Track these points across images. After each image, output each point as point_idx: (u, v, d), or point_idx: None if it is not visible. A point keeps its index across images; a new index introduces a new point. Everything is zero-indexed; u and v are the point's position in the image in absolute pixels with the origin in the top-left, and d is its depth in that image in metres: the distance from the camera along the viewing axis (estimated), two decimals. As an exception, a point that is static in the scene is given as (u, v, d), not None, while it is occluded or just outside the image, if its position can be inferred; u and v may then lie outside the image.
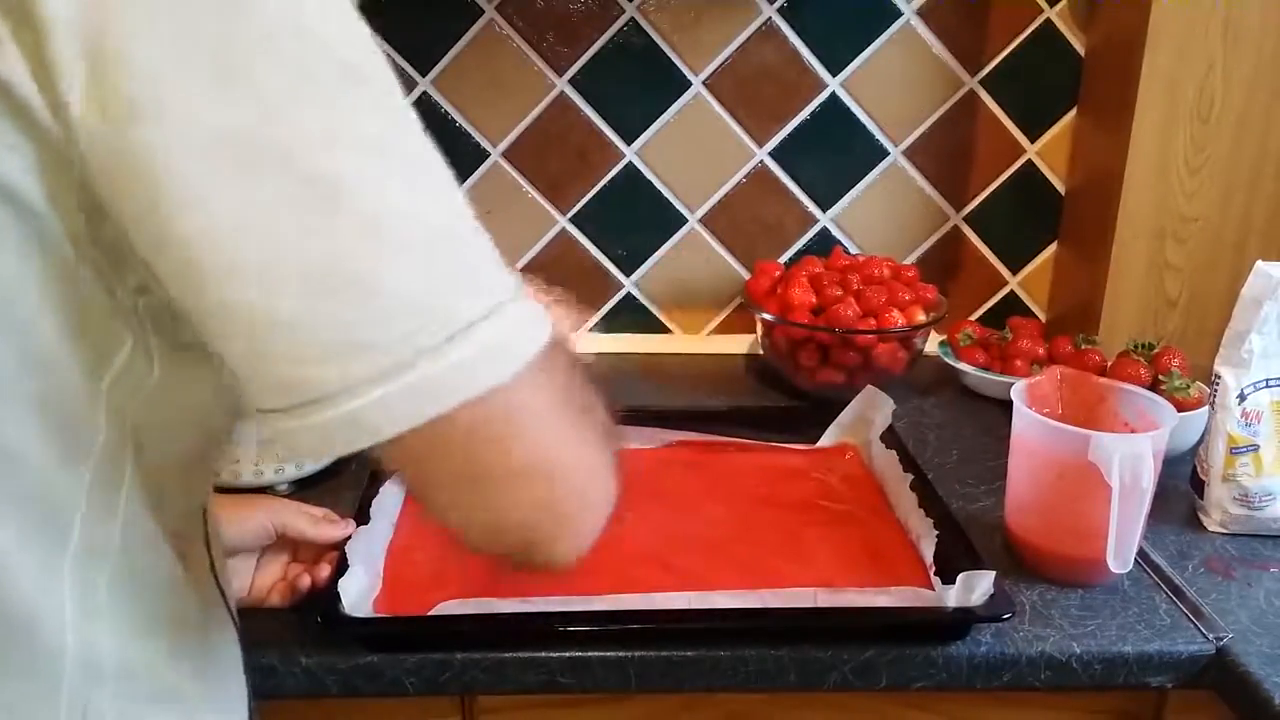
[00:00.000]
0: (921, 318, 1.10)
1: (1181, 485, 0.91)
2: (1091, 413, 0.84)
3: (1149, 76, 1.05)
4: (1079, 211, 1.22)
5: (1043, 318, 1.29)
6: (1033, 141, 1.23)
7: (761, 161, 1.23)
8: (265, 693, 0.70)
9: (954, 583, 0.73)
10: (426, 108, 1.19)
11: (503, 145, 1.22)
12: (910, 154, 1.24)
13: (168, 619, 0.48)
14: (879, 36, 1.19)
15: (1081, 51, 1.19)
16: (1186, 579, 0.81)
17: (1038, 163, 1.24)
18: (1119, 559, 0.75)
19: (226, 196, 0.35)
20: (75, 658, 0.43)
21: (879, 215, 1.26)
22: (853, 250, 1.26)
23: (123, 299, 0.40)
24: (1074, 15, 1.18)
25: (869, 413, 0.99)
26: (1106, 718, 0.78)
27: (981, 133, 1.23)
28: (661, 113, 1.21)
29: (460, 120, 1.20)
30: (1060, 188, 1.25)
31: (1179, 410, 0.82)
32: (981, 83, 1.21)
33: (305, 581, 0.73)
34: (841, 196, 1.25)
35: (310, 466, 0.90)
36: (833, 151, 1.23)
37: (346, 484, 0.91)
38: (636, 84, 1.20)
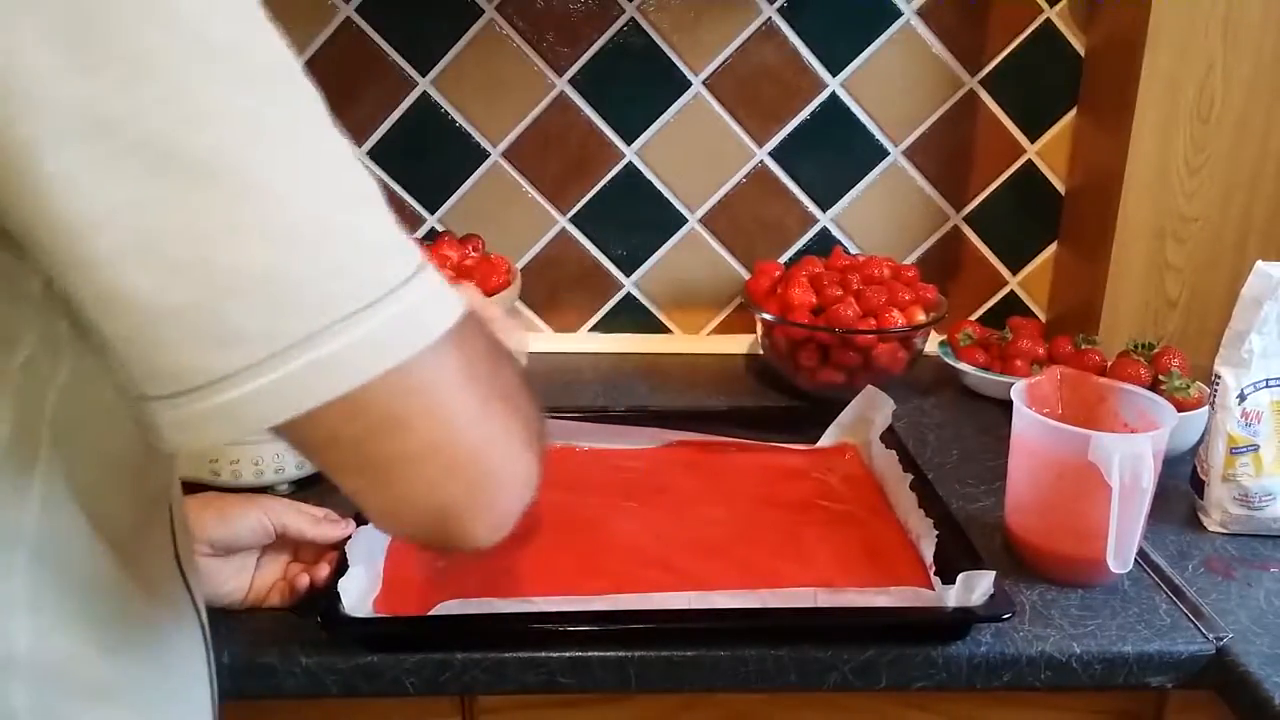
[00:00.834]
0: (921, 318, 1.10)
1: (1181, 485, 0.91)
2: (1091, 413, 0.84)
3: (1149, 76, 1.05)
4: (1079, 211, 1.22)
5: (1043, 318, 1.29)
6: (1033, 141, 1.23)
7: (761, 161, 1.23)
8: (265, 693, 0.71)
9: (954, 583, 0.73)
10: (426, 108, 1.19)
11: (503, 145, 1.22)
12: (910, 154, 1.24)
13: (105, 614, 0.47)
14: (879, 36, 1.19)
15: (1081, 51, 1.19)
16: (1186, 579, 0.81)
17: (1038, 163, 1.24)
18: (1119, 559, 0.75)
19: (92, 177, 0.34)
20: None
21: (879, 215, 1.26)
22: (853, 250, 1.26)
23: (27, 288, 0.39)
24: (1074, 15, 1.18)
25: (869, 413, 0.99)
26: (1106, 718, 0.78)
27: (981, 133, 1.23)
28: (661, 113, 1.21)
29: (460, 120, 1.20)
30: (1060, 188, 1.25)
31: (1179, 410, 0.82)
32: (981, 83, 1.21)
33: (305, 581, 0.73)
34: (841, 196, 1.25)
35: (311, 466, 0.90)
36: (833, 151, 1.23)
37: (346, 484, 0.91)
38: (636, 84, 1.20)
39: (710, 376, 1.21)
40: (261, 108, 0.37)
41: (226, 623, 0.72)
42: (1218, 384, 0.86)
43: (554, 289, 1.28)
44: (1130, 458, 0.74)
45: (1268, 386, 0.85)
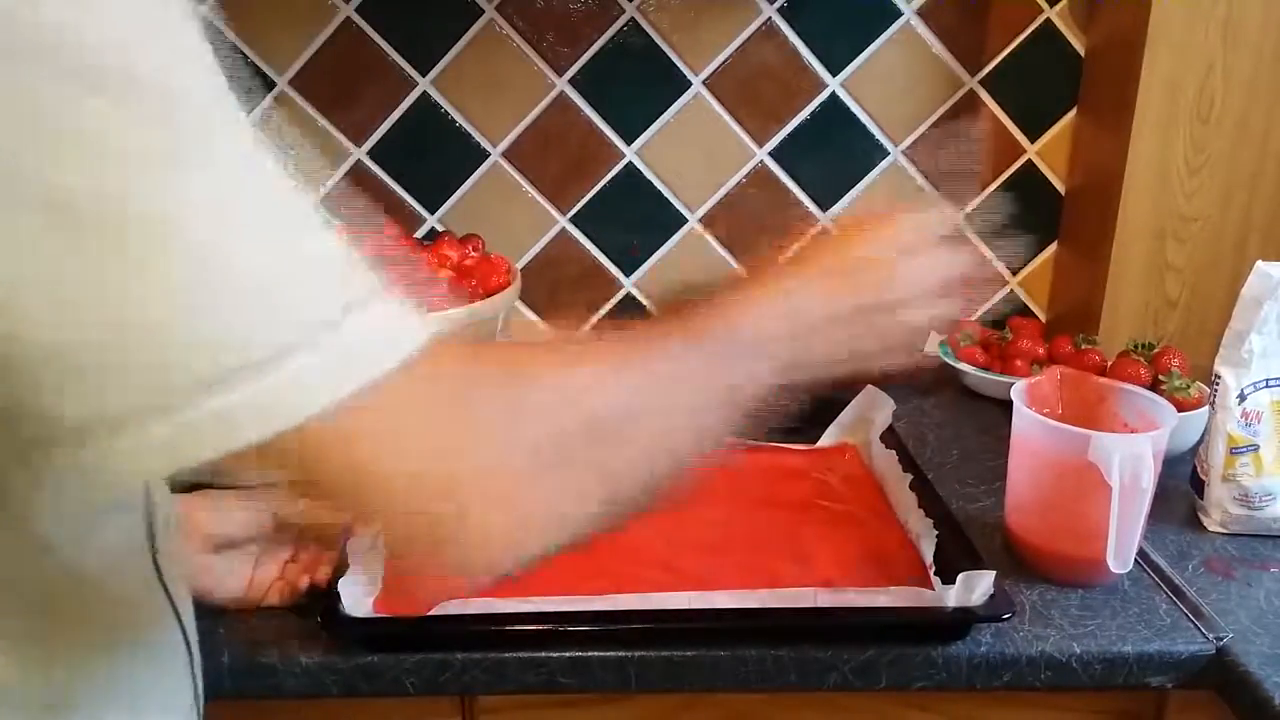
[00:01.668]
0: (921, 318, 1.10)
1: (1181, 485, 0.91)
2: (1091, 413, 0.83)
3: (1149, 76, 1.05)
4: (1079, 211, 1.22)
5: (1043, 318, 1.29)
6: (1033, 141, 1.23)
7: (761, 161, 1.23)
8: (265, 693, 0.71)
9: (954, 583, 0.73)
10: (426, 108, 1.19)
11: (503, 145, 1.22)
12: (910, 154, 1.24)
13: (56, 631, 0.46)
14: (879, 36, 1.19)
15: (1081, 51, 1.19)
16: (1186, 579, 0.81)
17: (1038, 163, 1.24)
18: (1119, 559, 0.75)
19: None
20: None
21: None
22: (853, 250, 1.26)
23: None
24: (1074, 15, 1.18)
25: (869, 413, 0.99)
26: (1106, 718, 0.78)
27: (981, 133, 1.23)
28: (661, 113, 1.21)
29: (460, 120, 1.20)
30: (1060, 188, 1.25)
31: (1179, 410, 0.82)
32: (981, 83, 1.21)
33: (305, 582, 0.73)
34: (841, 196, 1.25)
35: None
36: (833, 151, 1.23)
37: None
38: (636, 84, 1.20)
39: (710, 376, 1.20)
40: (162, 141, 0.34)
41: (226, 623, 0.72)
42: (1218, 384, 0.86)
43: (554, 289, 1.27)
44: (1130, 458, 0.74)
45: (1268, 386, 0.85)
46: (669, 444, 0.52)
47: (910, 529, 0.84)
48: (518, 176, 1.23)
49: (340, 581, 0.71)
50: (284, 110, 1.17)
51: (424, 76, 1.18)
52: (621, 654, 0.71)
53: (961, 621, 0.72)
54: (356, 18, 1.15)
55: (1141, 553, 0.83)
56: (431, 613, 0.72)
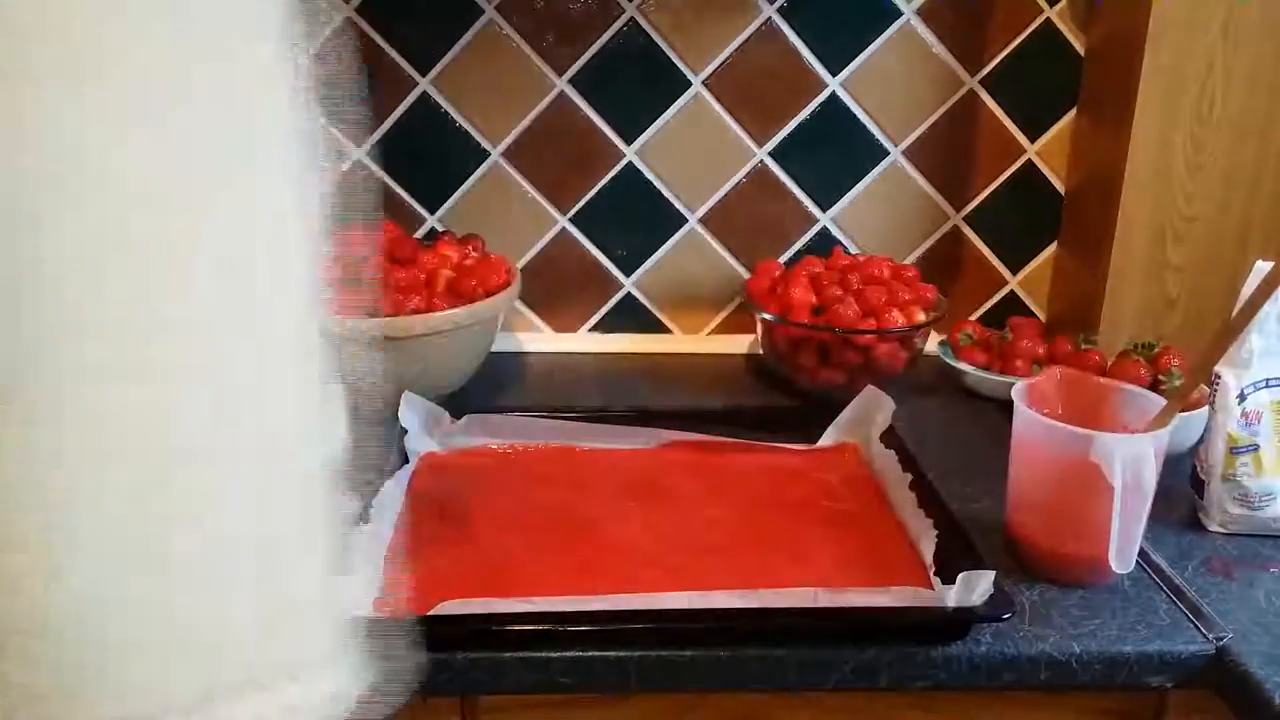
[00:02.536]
0: (921, 318, 1.10)
1: (1182, 485, 0.91)
2: (1091, 413, 0.83)
3: (1149, 76, 1.05)
4: (1079, 211, 1.22)
5: (1043, 318, 1.29)
6: (1033, 141, 1.23)
7: (761, 161, 1.23)
8: (265, 693, 0.71)
9: (954, 583, 0.73)
10: (426, 108, 1.19)
11: (503, 145, 1.22)
12: (910, 154, 1.24)
13: None
14: (879, 36, 1.19)
15: (1081, 51, 1.19)
16: (1186, 579, 0.81)
17: (1038, 163, 1.24)
18: (1121, 559, 0.75)
19: None
20: None
21: (879, 215, 1.26)
22: (853, 250, 1.26)
23: None
24: (1074, 15, 1.18)
25: (869, 413, 0.99)
26: (1106, 718, 0.78)
27: (981, 133, 1.23)
28: (661, 113, 1.21)
29: (460, 120, 1.20)
30: (1060, 188, 1.25)
31: (1179, 410, 0.82)
32: (981, 83, 1.21)
33: None
34: (841, 196, 1.25)
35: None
36: (833, 151, 1.23)
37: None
38: (636, 84, 1.20)
39: (710, 376, 1.21)
40: None
41: (226, 623, 0.72)
42: (1218, 384, 0.86)
43: (554, 289, 1.27)
44: (1132, 458, 0.74)
45: (1268, 386, 0.85)
46: None
47: (910, 529, 0.84)
48: (518, 176, 1.23)
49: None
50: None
51: (424, 76, 1.18)
52: (621, 654, 0.71)
53: (961, 621, 0.72)
54: (356, 18, 1.15)
55: (1141, 553, 0.83)
56: (431, 613, 0.72)
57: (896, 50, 1.19)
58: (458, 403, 1.03)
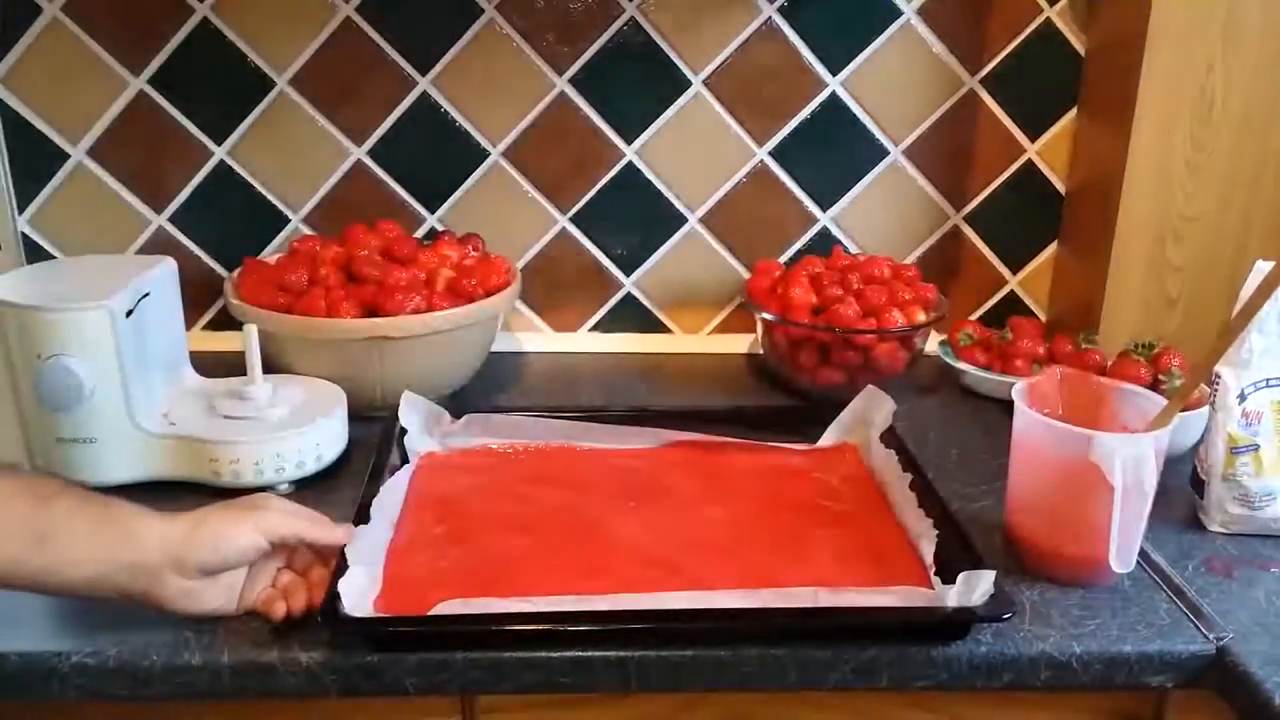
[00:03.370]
0: (921, 318, 1.10)
1: (1182, 485, 0.91)
2: (1092, 413, 0.83)
3: (1149, 76, 1.05)
4: (1079, 211, 1.22)
5: (1043, 318, 1.29)
6: (1033, 141, 1.23)
7: (761, 161, 1.23)
8: (265, 693, 0.71)
9: (954, 583, 0.73)
10: (426, 108, 1.19)
11: (502, 145, 1.22)
12: (910, 154, 1.24)
13: None
14: (879, 36, 1.19)
15: (1081, 51, 1.19)
16: (1187, 579, 0.81)
17: (1038, 162, 1.24)
18: (1121, 559, 0.75)
19: None
20: None
21: (879, 215, 1.26)
22: (853, 250, 1.26)
23: None
24: (1074, 15, 1.18)
25: (869, 413, 0.99)
26: (1106, 718, 0.78)
27: (981, 132, 1.23)
28: (661, 112, 1.21)
29: (460, 120, 1.20)
30: (1060, 187, 1.25)
31: (1179, 410, 0.82)
32: (981, 82, 1.21)
33: (281, 610, 0.72)
34: (841, 196, 1.25)
35: (311, 466, 0.90)
36: (833, 151, 1.23)
37: (346, 484, 0.91)
38: (636, 84, 1.20)
39: (710, 376, 1.21)
40: None
41: (226, 623, 0.72)
42: (1218, 384, 0.86)
43: (554, 289, 1.27)
44: (1133, 458, 0.74)
45: (1268, 386, 0.85)
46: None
47: (910, 529, 0.84)
48: (518, 176, 1.23)
49: (340, 581, 0.71)
50: (284, 110, 1.17)
51: (424, 76, 1.18)
52: (621, 654, 0.71)
53: (961, 621, 0.72)
54: (356, 17, 1.15)
55: (1142, 553, 0.83)
56: (431, 613, 0.72)
57: (897, 50, 1.19)
58: (458, 403, 1.03)
